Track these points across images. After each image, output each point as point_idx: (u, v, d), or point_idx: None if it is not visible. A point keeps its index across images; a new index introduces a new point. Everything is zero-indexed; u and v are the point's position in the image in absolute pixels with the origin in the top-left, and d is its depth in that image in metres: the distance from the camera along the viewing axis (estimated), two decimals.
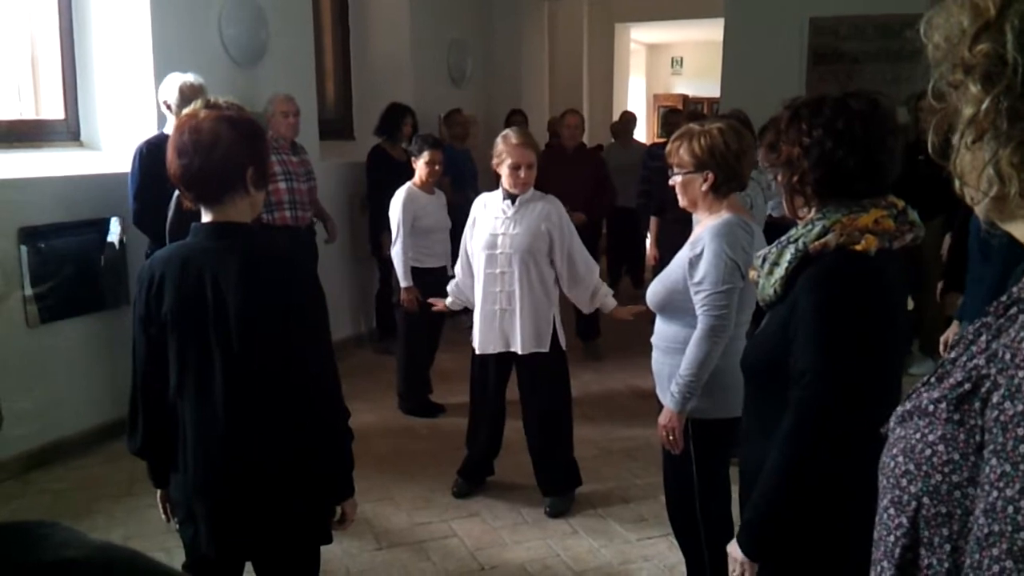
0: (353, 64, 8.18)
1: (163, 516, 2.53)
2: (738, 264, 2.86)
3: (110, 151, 5.43)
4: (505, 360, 4.38)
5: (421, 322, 5.58)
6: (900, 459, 1.00)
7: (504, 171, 4.15)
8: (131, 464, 4.08)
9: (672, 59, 18.39)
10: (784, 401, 2.02)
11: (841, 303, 1.99)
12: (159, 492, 2.49)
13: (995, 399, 0.88)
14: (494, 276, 4.24)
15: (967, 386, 0.93)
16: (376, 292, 7.33)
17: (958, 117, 0.91)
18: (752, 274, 2.25)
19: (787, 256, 2.05)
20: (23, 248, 4.67)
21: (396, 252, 5.49)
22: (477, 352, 4.40)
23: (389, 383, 6.03)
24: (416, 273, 5.51)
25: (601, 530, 4.20)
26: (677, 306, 3.01)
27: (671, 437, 3.00)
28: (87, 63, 5.40)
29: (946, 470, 0.94)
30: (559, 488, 4.40)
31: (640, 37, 16.25)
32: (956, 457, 0.93)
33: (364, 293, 7.55)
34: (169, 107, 4.76)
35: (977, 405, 0.91)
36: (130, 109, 5.38)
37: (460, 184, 7.25)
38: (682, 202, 3.05)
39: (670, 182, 3.05)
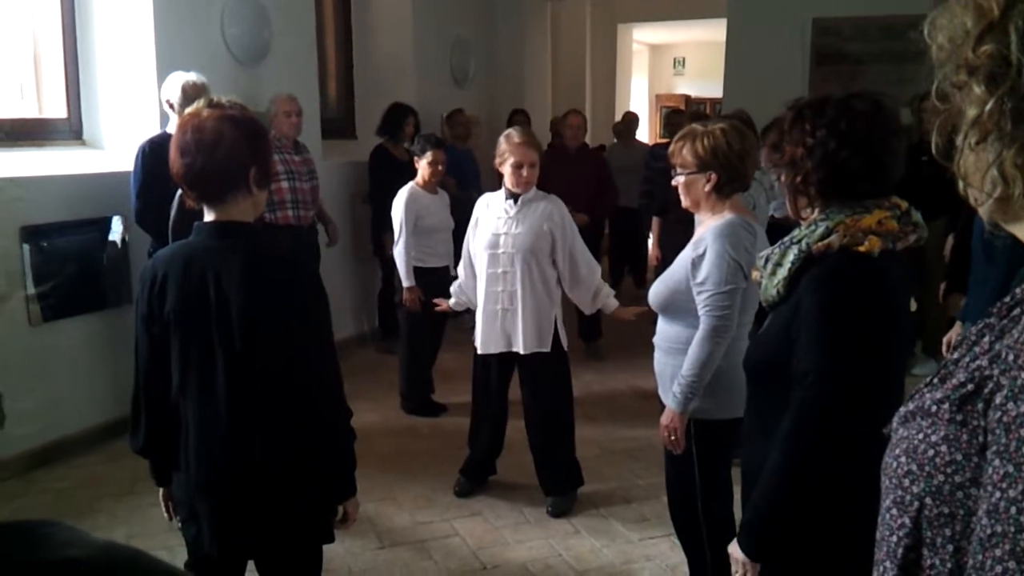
0: (356, 63, 8.18)
1: (165, 515, 2.53)
2: (741, 265, 2.86)
3: (113, 150, 5.43)
4: (507, 360, 4.38)
5: (423, 322, 5.58)
6: (903, 459, 1.00)
7: (507, 170, 4.15)
8: (133, 463, 4.09)
9: (674, 59, 18.38)
10: (786, 402, 2.02)
11: (844, 304, 1.99)
12: (161, 491, 2.49)
13: (998, 400, 0.88)
14: (496, 276, 4.24)
15: (970, 387, 0.93)
16: (378, 292, 7.34)
17: (962, 118, 0.91)
18: (755, 275, 2.24)
19: (790, 257, 2.05)
20: (25, 247, 4.67)
21: (398, 252, 5.49)
22: (479, 352, 4.40)
23: (391, 383, 6.03)
24: (418, 273, 5.51)
25: (603, 530, 4.20)
26: (679, 306, 3.01)
27: (673, 437, 2.99)
28: (90, 62, 5.40)
29: (949, 471, 0.94)
30: (561, 488, 4.40)
31: (643, 37, 16.24)
32: (959, 458, 0.93)
33: (366, 292, 7.55)
34: (172, 106, 4.77)
35: (980, 406, 0.91)
36: (133, 108, 5.39)
37: (463, 184, 7.26)
38: (685, 202, 3.05)
39: (673, 182, 3.05)
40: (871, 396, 1.94)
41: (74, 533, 0.69)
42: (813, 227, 2.04)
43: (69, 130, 5.41)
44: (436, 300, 4.74)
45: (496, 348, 4.31)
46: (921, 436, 0.97)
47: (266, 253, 2.29)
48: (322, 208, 6.25)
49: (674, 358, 3.04)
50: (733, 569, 2.14)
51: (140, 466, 2.78)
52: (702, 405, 2.97)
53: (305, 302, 2.24)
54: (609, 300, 4.29)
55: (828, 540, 2.05)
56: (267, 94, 5.93)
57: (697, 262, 2.92)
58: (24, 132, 5.13)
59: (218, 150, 2.18)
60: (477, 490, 4.58)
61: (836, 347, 1.96)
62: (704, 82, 16.51)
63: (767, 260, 2.15)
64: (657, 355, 3.17)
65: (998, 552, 0.83)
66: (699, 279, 2.91)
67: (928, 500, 0.96)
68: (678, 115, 9.89)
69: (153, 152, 4.61)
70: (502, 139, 4.21)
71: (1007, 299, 0.96)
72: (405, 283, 5.51)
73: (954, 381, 0.95)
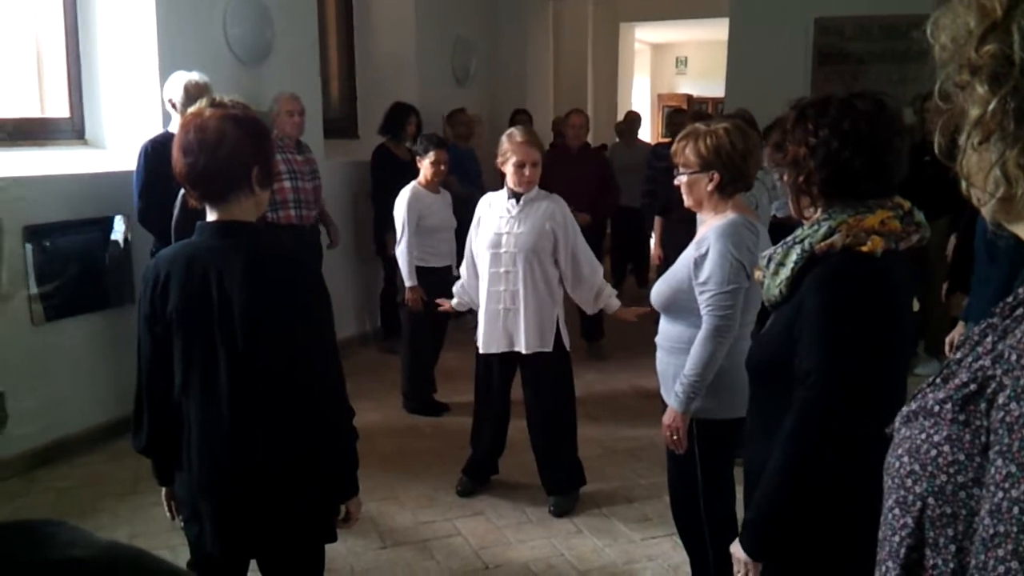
0: (357, 63, 8.19)
1: (168, 514, 2.54)
2: (743, 264, 2.85)
3: (115, 149, 5.43)
4: (509, 359, 4.38)
5: (426, 321, 5.59)
6: (905, 459, 1.00)
7: (509, 169, 4.15)
8: (136, 462, 4.11)
9: (676, 59, 18.38)
10: (789, 401, 2.02)
11: (847, 304, 1.99)
12: (164, 490, 2.50)
13: (1001, 400, 0.87)
14: (498, 275, 4.24)
15: (973, 387, 0.93)
16: (380, 291, 7.34)
17: (964, 118, 0.91)
18: (757, 274, 2.24)
19: (793, 257, 2.05)
20: (28, 246, 4.68)
21: (401, 251, 5.49)
22: (481, 351, 4.41)
23: (393, 382, 6.03)
24: (421, 272, 5.51)
25: (605, 529, 4.20)
26: (682, 306, 3.01)
27: (675, 437, 2.99)
28: (92, 61, 5.41)
29: (951, 471, 0.94)
30: (563, 487, 4.40)
31: (645, 37, 16.25)
32: (961, 458, 0.93)
33: (369, 292, 7.56)
34: (174, 105, 4.77)
35: (983, 406, 0.91)
36: (135, 107, 5.39)
37: (466, 182, 7.26)
38: (687, 202, 3.05)
39: (676, 181, 3.05)
40: (874, 396, 1.94)
41: (77, 533, 0.69)
42: (816, 227, 2.04)
43: (72, 130, 5.42)
44: (438, 300, 4.74)
45: (498, 348, 4.31)
46: (924, 436, 0.97)
47: (268, 253, 2.29)
48: (324, 210, 6.25)
49: (676, 358, 3.04)
50: (735, 569, 2.15)
51: (142, 465, 2.79)
52: (704, 405, 2.97)
53: (307, 301, 2.25)
54: (611, 300, 4.29)
55: (831, 540, 2.05)
56: (269, 94, 5.93)
57: (700, 262, 2.92)
58: (27, 132, 5.14)
59: (221, 150, 2.19)
60: (479, 490, 4.58)
61: (839, 347, 1.96)
62: (706, 81, 16.51)
63: (770, 260, 2.14)
64: (659, 355, 3.16)
65: (1000, 552, 0.83)
66: (701, 279, 2.91)
67: (931, 500, 0.96)
68: (680, 115, 9.87)
69: (155, 152, 4.61)
70: (504, 138, 4.22)
71: (1010, 299, 0.96)
72: (407, 283, 5.51)
73: (957, 381, 0.95)
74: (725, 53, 8.59)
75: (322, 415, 2.28)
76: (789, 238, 2.11)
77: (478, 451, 4.61)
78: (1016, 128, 0.87)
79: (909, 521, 0.99)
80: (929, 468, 0.96)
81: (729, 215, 2.94)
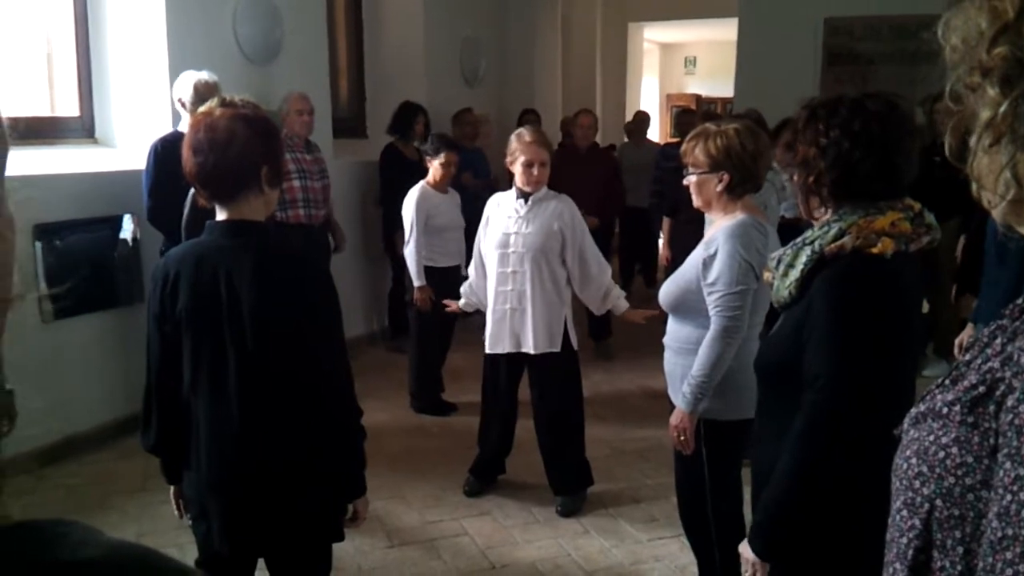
0: (366, 63, 8.20)
1: (176, 512, 2.54)
2: (752, 265, 2.85)
3: (125, 148, 5.45)
4: (517, 360, 4.38)
5: (433, 321, 5.59)
6: (913, 461, 0.99)
7: (517, 169, 4.15)
8: (144, 460, 4.10)
9: (685, 59, 18.37)
10: (797, 403, 2.02)
11: (857, 306, 1.98)
12: (172, 488, 2.50)
13: (1010, 402, 0.87)
14: (506, 275, 4.24)
15: (981, 389, 0.93)
16: (389, 291, 7.34)
17: (975, 120, 0.91)
18: (767, 275, 2.24)
19: (803, 258, 2.05)
20: (38, 245, 4.69)
21: (409, 251, 5.49)
22: (487, 351, 4.41)
23: (401, 382, 6.04)
24: (429, 272, 5.52)
25: (612, 530, 4.20)
26: (690, 306, 3.01)
27: (682, 438, 2.99)
28: (102, 61, 5.42)
29: (959, 472, 0.93)
30: (570, 487, 4.40)
31: (653, 36, 16.23)
32: (970, 460, 0.92)
33: (377, 291, 7.56)
34: (184, 105, 4.78)
35: (991, 408, 0.91)
36: (145, 107, 5.41)
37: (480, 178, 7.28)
38: (696, 202, 3.04)
39: (685, 182, 3.04)
40: (882, 398, 1.93)
41: (87, 533, 0.69)
42: (826, 228, 2.04)
43: (81, 128, 5.43)
44: (445, 301, 4.74)
45: (504, 348, 4.30)
46: (932, 438, 0.97)
47: (277, 252, 2.30)
48: (331, 214, 6.23)
49: (684, 358, 3.03)
50: (743, 569, 2.15)
51: (151, 463, 2.79)
52: (712, 405, 2.97)
53: (316, 301, 2.25)
54: (619, 301, 4.29)
55: (839, 541, 2.05)
56: (279, 93, 5.94)
57: (708, 262, 2.91)
58: (37, 130, 5.15)
59: (230, 149, 2.19)
60: (486, 489, 4.59)
61: (848, 349, 1.95)
62: (715, 82, 16.50)
63: (779, 261, 2.14)
64: (667, 355, 3.16)
65: (1009, 555, 0.83)
66: (710, 279, 2.90)
67: (938, 502, 0.96)
68: (688, 115, 9.89)
69: (165, 151, 4.62)
70: (513, 138, 4.22)
71: (1019, 301, 0.96)
72: (416, 282, 5.51)
73: (965, 383, 0.95)
74: (734, 53, 8.57)
75: (330, 414, 2.29)
76: (799, 239, 2.10)
77: (485, 451, 4.61)
78: None
79: (917, 523, 0.99)
80: (937, 470, 0.96)
81: (738, 216, 2.94)
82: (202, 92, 4.58)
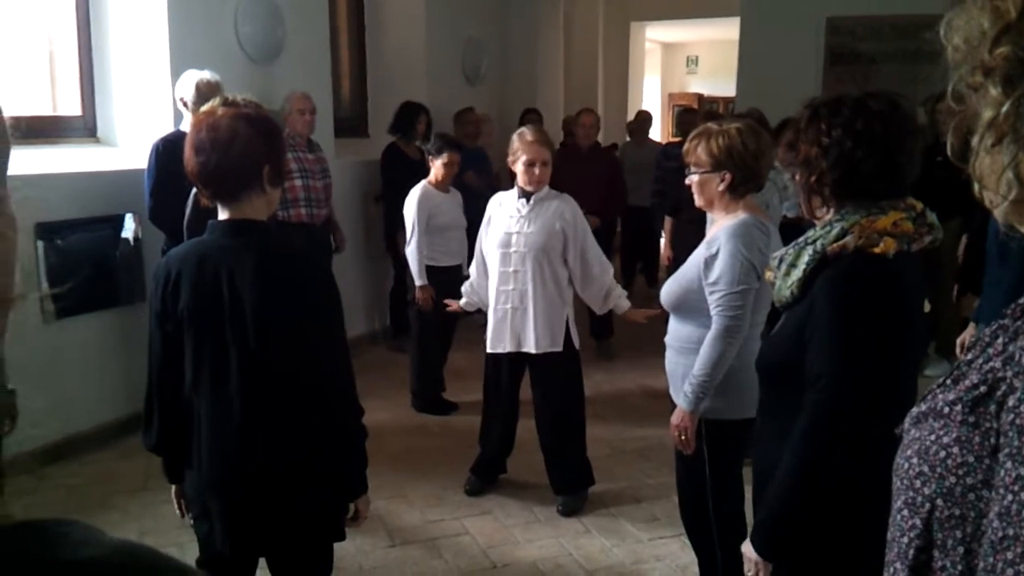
0: (368, 62, 8.20)
1: (177, 512, 2.54)
2: (754, 265, 2.85)
3: (127, 148, 5.45)
4: (518, 359, 4.38)
5: (435, 320, 5.59)
6: (914, 460, 0.99)
7: (519, 168, 4.15)
8: (146, 459, 4.11)
9: (687, 58, 18.36)
10: (799, 402, 2.02)
11: (859, 306, 1.98)
12: (174, 488, 2.50)
13: (1011, 402, 0.87)
14: (507, 275, 4.24)
15: (983, 388, 0.92)
16: (390, 290, 7.35)
17: (977, 120, 0.91)
18: (768, 275, 2.24)
19: (805, 258, 2.05)
20: (40, 244, 4.69)
21: (411, 250, 5.49)
22: (488, 351, 4.41)
23: (403, 381, 6.04)
24: (431, 272, 5.52)
25: (613, 529, 4.20)
26: (692, 306, 3.01)
27: (683, 437, 2.99)
28: (104, 60, 5.43)
29: (960, 472, 0.93)
30: (571, 487, 4.40)
31: (655, 36, 16.22)
32: (971, 459, 0.92)
33: (378, 291, 7.57)
34: (186, 104, 4.79)
35: (992, 408, 0.91)
36: (147, 106, 5.41)
37: (483, 177, 7.28)
38: (698, 201, 3.04)
39: (687, 181, 3.04)
40: (884, 397, 1.93)
41: (89, 532, 0.69)
42: (828, 228, 2.04)
43: (83, 128, 5.44)
44: (446, 301, 4.74)
45: (506, 347, 4.30)
46: (933, 437, 0.97)
47: (279, 251, 2.30)
48: (332, 215, 6.23)
49: (686, 357, 3.03)
50: (746, 568, 2.15)
51: (153, 463, 2.80)
52: (713, 405, 2.97)
53: (318, 300, 2.25)
54: (621, 301, 4.28)
55: (840, 541, 2.05)
56: (281, 92, 5.94)
57: (710, 262, 2.91)
58: (39, 129, 5.16)
59: (233, 148, 2.19)
60: (487, 489, 4.59)
61: (850, 349, 1.95)
62: (717, 81, 16.49)
63: (781, 261, 2.14)
64: (669, 354, 3.16)
65: (1009, 555, 0.83)
66: (712, 279, 2.90)
67: (939, 502, 0.96)
68: (690, 114, 9.87)
69: (167, 150, 4.63)
70: (515, 137, 4.22)
71: (1021, 300, 0.96)
72: (418, 281, 5.51)
73: (967, 383, 0.95)
74: (736, 52, 8.57)
75: (331, 413, 2.29)
76: (801, 239, 2.10)
77: (486, 450, 4.61)
78: None
79: (918, 522, 0.99)
80: (938, 469, 0.96)
81: (740, 215, 2.93)
82: (204, 91, 4.58)
